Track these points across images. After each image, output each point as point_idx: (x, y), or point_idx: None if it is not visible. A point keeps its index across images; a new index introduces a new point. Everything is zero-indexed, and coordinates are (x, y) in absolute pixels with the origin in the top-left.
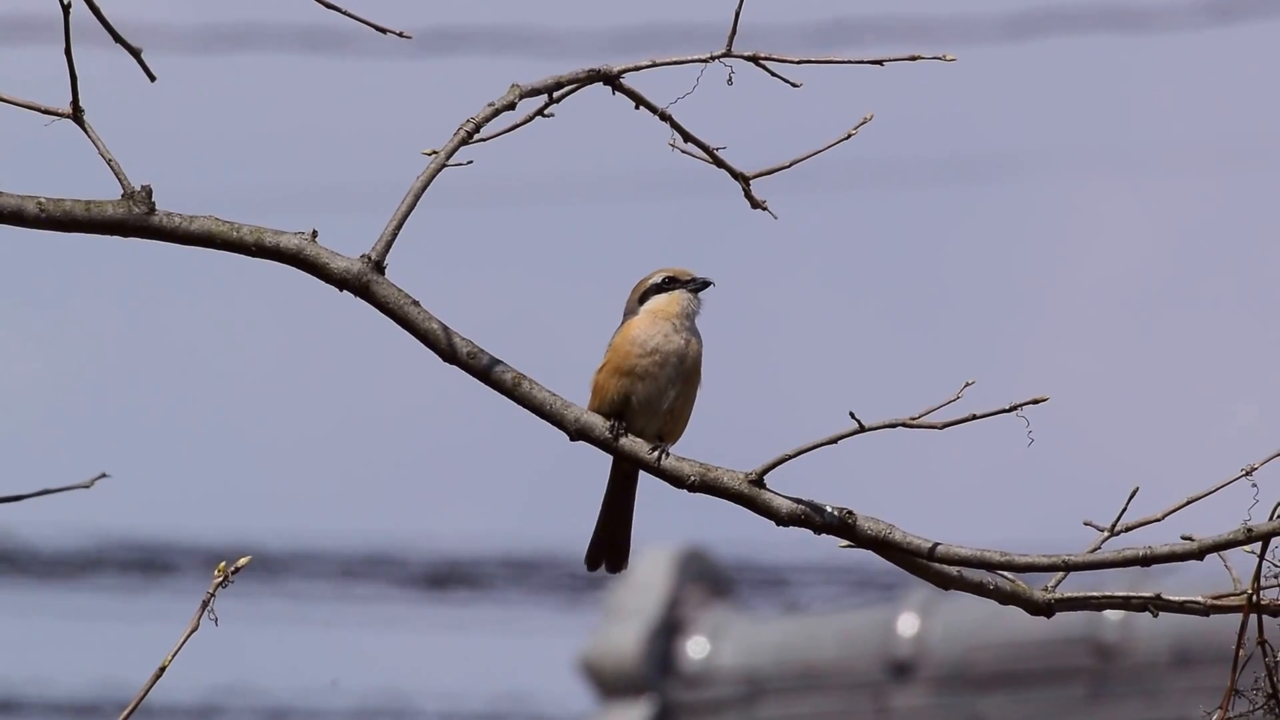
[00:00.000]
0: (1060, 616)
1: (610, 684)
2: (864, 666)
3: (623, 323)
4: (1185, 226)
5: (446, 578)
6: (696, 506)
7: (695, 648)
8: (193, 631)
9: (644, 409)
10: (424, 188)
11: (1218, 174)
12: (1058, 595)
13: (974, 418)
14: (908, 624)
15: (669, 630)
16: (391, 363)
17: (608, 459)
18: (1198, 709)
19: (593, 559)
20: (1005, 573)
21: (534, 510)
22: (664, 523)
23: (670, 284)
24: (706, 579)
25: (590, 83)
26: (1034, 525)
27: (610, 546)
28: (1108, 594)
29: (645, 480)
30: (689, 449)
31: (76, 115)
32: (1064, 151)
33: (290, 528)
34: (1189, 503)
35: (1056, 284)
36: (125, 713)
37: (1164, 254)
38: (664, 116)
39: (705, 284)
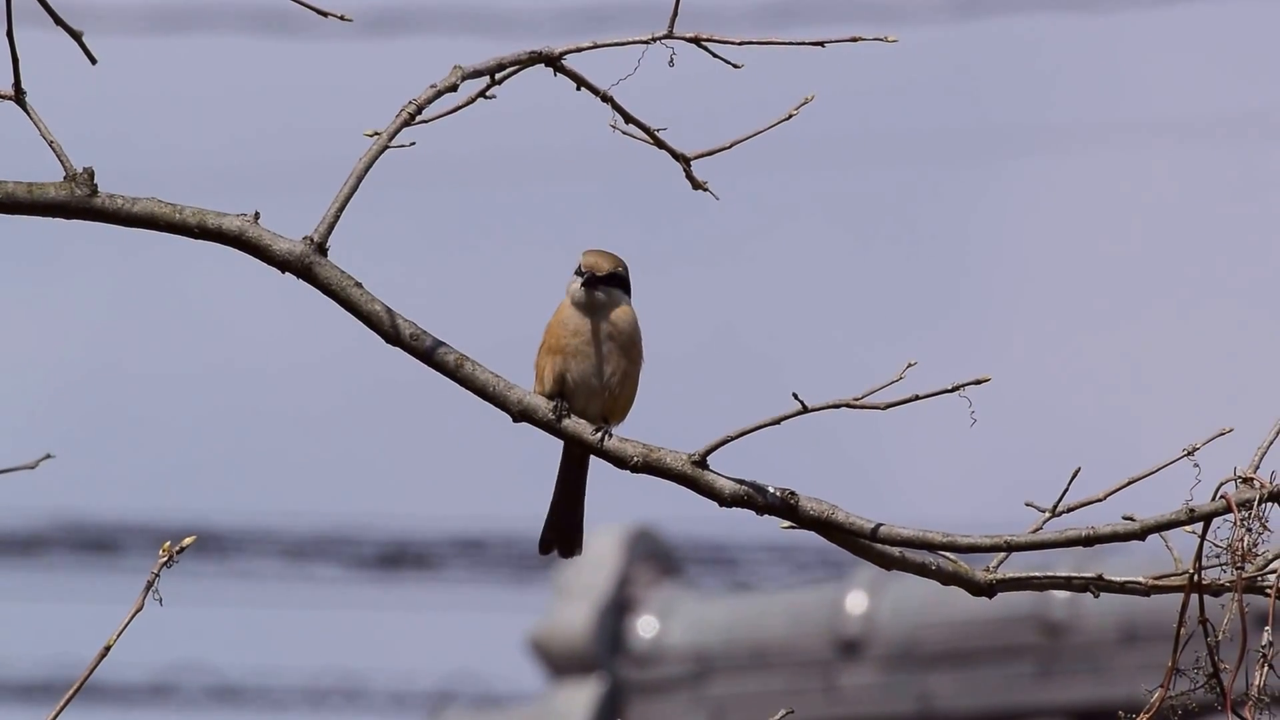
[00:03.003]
0: (1009, 594)
1: (560, 663)
2: (813, 645)
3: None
4: (1144, 207)
5: (397, 557)
6: (645, 485)
7: (645, 626)
8: (137, 612)
9: (581, 388)
10: (366, 169)
11: (1171, 153)
12: (999, 576)
13: (916, 398)
14: (856, 602)
15: (618, 609)
16: (340, 344)
17: (556, 440)
18: (1144, 686)
19: (545, 544)
20: (948, 553)
21: (484, 490)
22: (613, 501)
23: (577, 272)
24: (656, 557)
25: (532, 64)
26: (978, 506)
27: (562, 531)
28: (1049, 574)
29: (594, 461)
30: (640, 431)
31: (18, 97)
32: (1018, 131)
33: (241, 507)
34: (1130, 483)
35: (1011, 264)
36: (70, 693)
37: (1117, 234)
38: (605, 98)
39: (591, 280)
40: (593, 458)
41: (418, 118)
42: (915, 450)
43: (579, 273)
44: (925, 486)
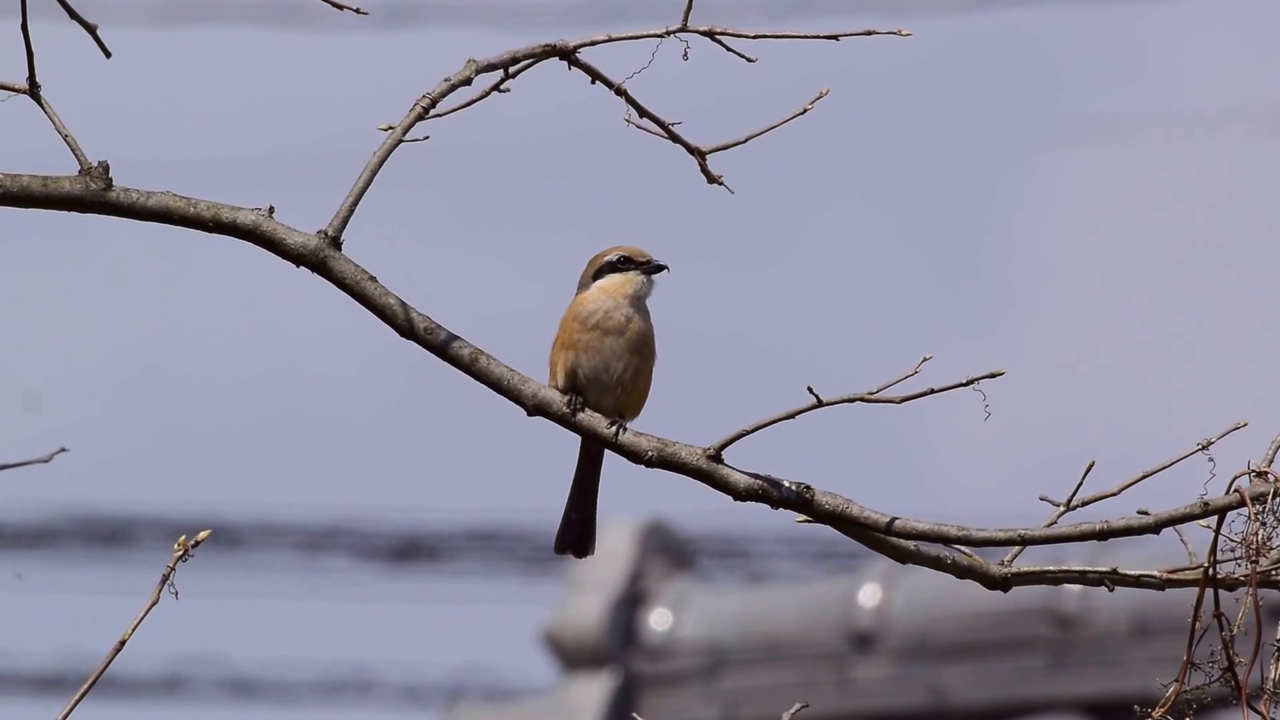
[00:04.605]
0: (1021, 587)
1: (573, 656)
2: (825, 638)
3: (575, 296)
4: (1159, 201)
5: (409, 550)
6: (658, 478)
7: (658, 619)
8: (153, 605)
9: (592, 383)
10: (380, 163)
11: (1191, 145)
12: (1014, 569)
13: (931, 392)
14: (869, 595)
15: (631, 602)
16: (353, 337)
17: (570, 434)
18: (1158, 680)
19: (561, 543)
20: (962, 547)
21: (497, 483)
22: (626, 495)
23: (625, 264)
24: (669, 551)
25: (546, 58)
26: (992, 499)
27: (576, 531)
28: (1064, 568)
29: (609, 455)
30: (655, 425)
31: (33, 91)
32: (1038, 123)
33: (253, 500)
34: (1144, 477)
35: (1031, 258)
36: (85, 686)
37: (1135, 228)
38: (619, 92)
39: (659, 268)
40: (606, 454)
41: (432, 111)
42: (931, 444)
43: (624, 265)
44: (941, 481)
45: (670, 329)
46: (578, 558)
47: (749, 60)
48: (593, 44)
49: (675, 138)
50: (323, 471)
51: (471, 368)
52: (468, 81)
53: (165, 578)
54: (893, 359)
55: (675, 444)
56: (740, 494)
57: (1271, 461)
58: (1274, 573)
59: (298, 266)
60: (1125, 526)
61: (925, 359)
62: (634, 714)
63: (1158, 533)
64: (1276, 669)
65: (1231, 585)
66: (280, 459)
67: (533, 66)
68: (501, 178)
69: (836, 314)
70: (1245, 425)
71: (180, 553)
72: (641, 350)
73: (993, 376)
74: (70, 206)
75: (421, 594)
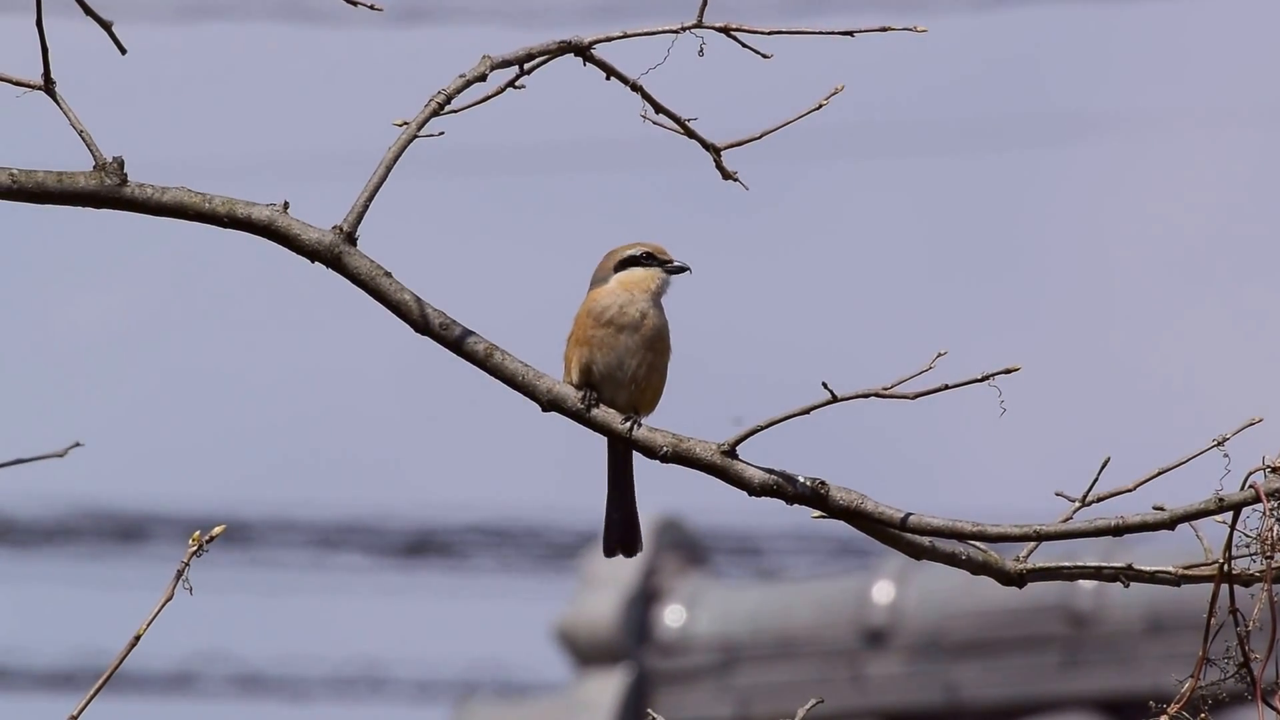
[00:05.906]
0: (1034, 584)
1: (586, 652)
2: (839, 634)
3: (590, 290)
4: (1176, 196)
5: (422, 546)
6: (671, 475)
7: (671, 616)
8: (167, 601)
9: (607, 379)
10: (395, 159)
11: (1211, 140)
12: (1029, 565)
13: (945, 388)
14: (883, 592)
15: (645, 598)
16: (368, 332)
17: (587, 431)
18: (1172, 676)
19: (609, 545)
20: (977, 543)
21: (510, 479)
22: (640, 491)
23: (648, 260)
24: (683, 547)
25: (561, 54)
26: (1008, 495)
27: (621, 530)
28: (1079, 564)
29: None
30: (669, 421)
31: (48, 87)
32: (1062, 119)
33: (267, 496)
34: (1160, 473)
35: (1042, 255)
36: (99, 682)
37: (1152, 224)
38: (635, 88)
39: (682, 269)
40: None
41: (447, 108)
42: (948, 441)
43: (647, 260)
44: (958, 477)
45: (685, 325)
46: (628, 557)
47: (764, 56)
48: (608, 40)
49: (691, 134)
50: (336, 468)
51: (486, 363)
52: (483, 78)
53: (179, 573)
54: (912, 355)
55: (690, 439)
56: (755, 489)
57: None
58: None
59: (312, 262)
60: (1140, 522)
61: (939, 354)
62: (648, 710)
63: (1173, 529)
64: None
65: (1247, 581)
66: (293, 455)
67: (548, 63)
68: (517, 174)
69: (853, 310)
70: (1260, 421)
71: (194, 549)
72: (656, 346)
73: (1008, 372)
74: (85, 202)
75: (434, 590)
